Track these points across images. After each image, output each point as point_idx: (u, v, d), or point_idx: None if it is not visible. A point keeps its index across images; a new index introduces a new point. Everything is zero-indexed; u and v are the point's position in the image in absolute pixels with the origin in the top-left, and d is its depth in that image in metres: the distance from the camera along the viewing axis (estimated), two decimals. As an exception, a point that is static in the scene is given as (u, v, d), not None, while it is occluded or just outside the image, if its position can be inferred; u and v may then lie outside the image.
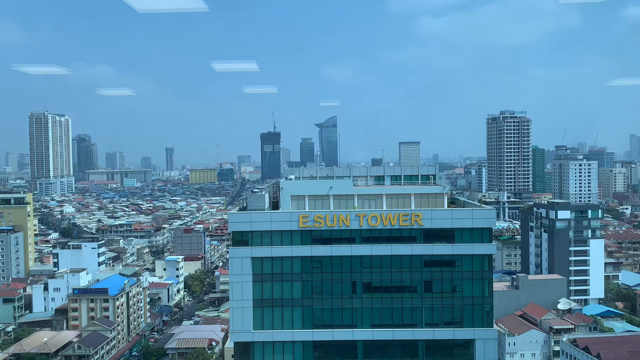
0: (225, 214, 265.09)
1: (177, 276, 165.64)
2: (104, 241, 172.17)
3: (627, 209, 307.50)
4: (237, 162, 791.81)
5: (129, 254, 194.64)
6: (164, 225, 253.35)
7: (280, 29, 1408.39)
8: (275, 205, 62.17)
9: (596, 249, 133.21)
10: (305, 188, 59.48)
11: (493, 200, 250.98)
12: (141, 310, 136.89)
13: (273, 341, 54.54)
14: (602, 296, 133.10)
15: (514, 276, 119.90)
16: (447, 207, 58.96)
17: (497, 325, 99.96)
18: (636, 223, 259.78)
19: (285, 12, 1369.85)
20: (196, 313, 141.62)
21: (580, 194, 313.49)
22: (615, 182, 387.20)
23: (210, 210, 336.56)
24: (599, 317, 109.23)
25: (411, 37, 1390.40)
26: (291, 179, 63.66)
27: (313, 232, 54.30)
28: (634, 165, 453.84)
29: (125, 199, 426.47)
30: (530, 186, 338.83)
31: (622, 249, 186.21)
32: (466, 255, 54.26)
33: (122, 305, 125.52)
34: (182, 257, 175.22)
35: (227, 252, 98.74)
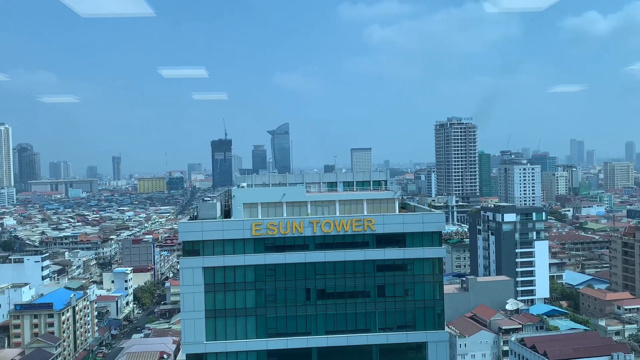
0: (175, 224, 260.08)
1: (126, 288, 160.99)
2: (48, 254, 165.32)
3: (569, 211, 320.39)
4: (187, 171, 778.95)
5: (74, 267, 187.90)
6: (112, 236, 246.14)
7: (230, 36, 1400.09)
8: (227, 213, 61.42)
9: (541, 250, 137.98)
10: (257, 195, 59.02)
11: (442, 204, 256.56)
12: (88, 324, 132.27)
13: (226, 352, 53.72)
14: (548, 296, 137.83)
15: (464, 278, 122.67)
16: (398, 212, 59.73)
17: (449, 327, 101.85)
18: (578, 224, 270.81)
19: (235, 19, 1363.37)
20: (146, 326, 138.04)
21: (524, 197, 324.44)
22: (558, 185, 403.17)
23: (160, 220, 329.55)
24: (545, 316, 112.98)
25: (361, 45, 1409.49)
26: (243, 187, 63.05)
27: (266, 240, 53.95)
28: (574, 169, 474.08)
29: (70, 209, 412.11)
30: (478, 190, 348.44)
31: (565, 250, 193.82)
32: (417, 259, 55.14)
33: (68, 320, 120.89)
34: (131, 268, 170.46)
35: (178, 262, 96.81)
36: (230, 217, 58.64)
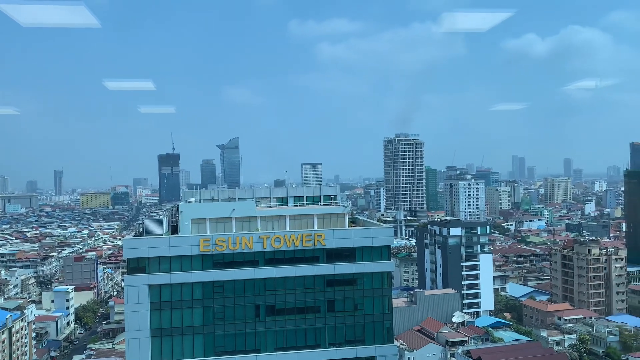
0: (120, 240, 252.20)
1: (67, 308, 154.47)
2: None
3: (511, 225, 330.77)
4: (132, 185, 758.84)
5: (11, 286, 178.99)
6: (52, 254, 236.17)
7: (179, 49, 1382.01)
8: (174, 229, 60.07)
9: (485, 263, 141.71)
10: (206, 211, 58.07)
11: (391, 219, 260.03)
12: (26, 346, 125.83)
13: (173, 372, 52.25)
14: (492, 308, 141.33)
15: (412, 292, 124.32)
16: (348, 226, 60.08)
17: (397, 341, 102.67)
18: (520, 238, 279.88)
19: (184, 32, 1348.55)
20: (88, 346, 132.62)
21: (469, 212, 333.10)
22: (501, 200, 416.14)
23: (104, 236, 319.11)
24: (490, 328, 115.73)
25: (311, 62, 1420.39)
26: (191, 202, 61.91)
27: (215, 256, 53.08)
28: (516, 184, 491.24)
29: (7, 226, 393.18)
30: (425, 205, 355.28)
31: (508, 263, 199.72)
32: (367, 273, 55.52)
33: (3, 342, 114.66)
34: (73, 287, 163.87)
35: (122, 280, 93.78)
36: (177, 233, 57.38)
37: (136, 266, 52.37)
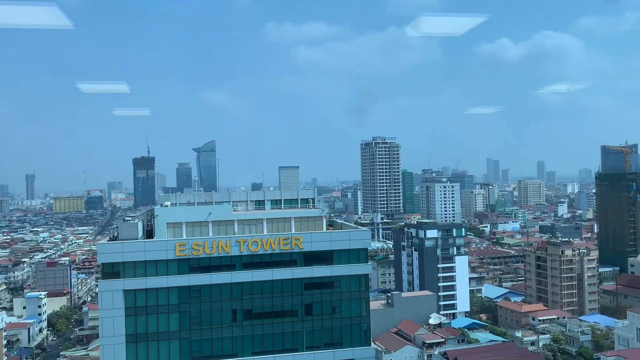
0: (94, 245, 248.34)
1: (40, 314, 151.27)
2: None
3: (486, 227, 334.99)
4: (107, 189, 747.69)
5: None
6: (24, 259, 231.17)
7: (154, 50, 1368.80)
8: (149, 233, 59.34)
9: (461, 265, 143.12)
10: (182, 215, 57.53)
11: (368, 221, 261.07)
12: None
13: (148, 378, 51.56)
14: (468, 309, 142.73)
15: (389, 294, 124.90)
16: (326, 229, 60.11)
17: (375, 343, 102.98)
18: (495, 240, 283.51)
19: (159, 34, 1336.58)
20: (61, 353, 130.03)
21: (445, 214, 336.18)
22: (476, 202, 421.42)
23: (77, 241, 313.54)
24: (466, 329, 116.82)
25: (288, 65, 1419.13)
26: (167, 206, 61.29)
27: (191, 261, 52.59)
28: (491, 187, 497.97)
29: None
30: (401, 207, 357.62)
31: (483, 264, 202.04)
32: (344, 276, 55.60)
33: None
34: (45, 293, 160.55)
35: (97, 285, 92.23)
36: (152, 238, 56.69)
37: (111, 271, 51.62)
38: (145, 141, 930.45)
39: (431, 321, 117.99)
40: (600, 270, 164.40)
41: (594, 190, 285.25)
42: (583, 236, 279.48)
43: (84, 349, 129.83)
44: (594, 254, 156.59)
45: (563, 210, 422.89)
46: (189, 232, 56.43)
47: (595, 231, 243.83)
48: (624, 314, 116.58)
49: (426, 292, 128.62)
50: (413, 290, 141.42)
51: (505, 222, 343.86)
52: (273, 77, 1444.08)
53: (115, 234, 58.88)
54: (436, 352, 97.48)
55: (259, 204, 66.42)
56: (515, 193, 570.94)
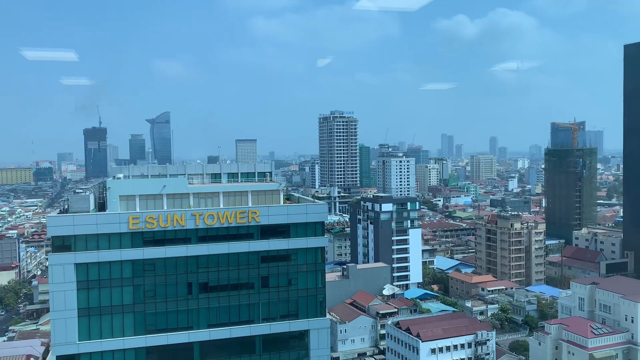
0: (44, 217, 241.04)
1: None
2: None
3: (439, 200, 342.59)
4: (57, 161, 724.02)
5: None
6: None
7: (104, 17, 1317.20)
8: (101, 206, 57.95)
9: (415, 237, 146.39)
10: (135, 187, 56.29)
11: (325, 195, 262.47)
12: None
13: (102, 351, 51.02)
14: (421, 280, 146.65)
15: (345, 266, 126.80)
16: (283, 203, 60.11)
17: (330, 314, 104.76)
18: (447, 213, 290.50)
19: (113, 2, 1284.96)
20: (10, 328, 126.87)
21: (400, 188, 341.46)
22: (430, 176, 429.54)
23: (26, 213, 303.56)
24: (418, 300, 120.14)
25: (246, 36, 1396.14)
26: (120, 178, 59.82)
27: (145, 234, 51.77)
28: (445, 162, 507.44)
29: None
30: (358, 181, 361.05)
31: (436, 237, 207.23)
32: (301, 249, 55.98)
33: None
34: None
35: (47, 259, 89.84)
36: (105, 211, 55.42)
37: (61, 244, 50.31)
38: (96, 111, 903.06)
39: (385, 292, 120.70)
40: (547, 242, 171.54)
41: (543, 166, 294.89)
42: (531, 210, 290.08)
43: (34, 323, 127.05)
44: (542, 227, 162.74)
45: (513, 184, 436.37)
46: (143, 205, 55.36)
47: (543, 205, 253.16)
48: (567, 284, 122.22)
49: (381, 264, 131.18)
50: (368, 262, 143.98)
51: (457, 196, 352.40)
52: (230, 48, 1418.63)
53: (66, 206, 57.28)
54: (389, 322, 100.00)
55: (215, 177, 65.69)
56: (468, 168, 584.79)
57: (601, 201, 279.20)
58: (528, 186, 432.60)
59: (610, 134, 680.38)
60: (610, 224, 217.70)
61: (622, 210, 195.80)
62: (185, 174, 63.82)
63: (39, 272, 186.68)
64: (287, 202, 62.85)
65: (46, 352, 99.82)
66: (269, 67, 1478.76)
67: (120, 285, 51.63)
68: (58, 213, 59.82)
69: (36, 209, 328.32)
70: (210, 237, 53.42)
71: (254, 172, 66.69)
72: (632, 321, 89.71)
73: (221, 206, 56.73)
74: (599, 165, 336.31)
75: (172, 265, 52.72)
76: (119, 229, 50.96)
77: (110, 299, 51.38)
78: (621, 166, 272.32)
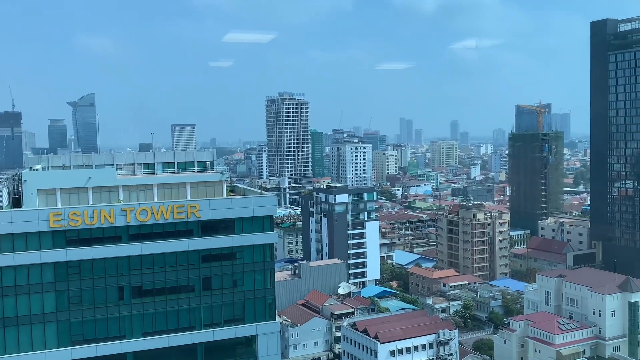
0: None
1: None
2: None
3: (398, 190, 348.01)
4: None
5: None
6: None
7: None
8: (16, 202, 55.98)
9: (372, 230, 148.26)
10: (56, 180, 54.57)
11: (274, 186, 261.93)
12: None
13: (20, 367, 49.50)
14: (379, 277, 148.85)
15: (296, 264, 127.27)
16: (227, 195, 59.62)
17: (280, 316, 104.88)
18: (407, 204, 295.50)
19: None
20: None
21: (356, 177, 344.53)
22: (388, 164, 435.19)
23: None
24: (376, 298, 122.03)
25: (182, 8, 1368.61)
26: (37, 169, 57.93)
27: (68, 233, 50.41)
28: (403, 148, 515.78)
29: None
30: (310, 171, 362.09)
31: (395, 230, 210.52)
32: (247, 246, 55.78)
33: None
34: None
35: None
36: (20, 206, 53.53)
37: (-31, 247, 48.37)
38: (9, 93, 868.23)
39: (340, 291, 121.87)
40: (512, 233, 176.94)
41: (507, 152, 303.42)
42: (495, 199, 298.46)
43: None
44: (506, 217, 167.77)
45: (476, 172, 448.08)
46: (65, 200, 53.76)
47: (507, 194, 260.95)
48: (533, 278, 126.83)
49: (335, 261, 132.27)
50: (322, 258, 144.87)
51: (417, 185, 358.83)
52: (164, 20, 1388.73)
53: (-26, 202, 54.91)
54: (345, 324, 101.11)
55: (148, 167, 64.42)
56: (428, 154, 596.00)
57: (568, 188, 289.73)
58: (491, 173, 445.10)
59: (577, 117, 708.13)
60: (577, 213, 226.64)
61: (589, 198, 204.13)
62: (113, 164, 62.33)
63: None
64: (231, 194, 62.41)
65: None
66: (208, 43, 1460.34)
67: (41, 291, 50.26)
68: (-35, 210, 57.32)
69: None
70: (144, 235, 52.56)
71: (193, 162, 65.78)
72: (600, 315, 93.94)
73: (155, 200, 55.82)
74: (565, 150, 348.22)
75: (100, 268, 51.58)
76: (37, 228, 49.47)
77: (29, 308, 49.96)
78: (588, 151, 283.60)
